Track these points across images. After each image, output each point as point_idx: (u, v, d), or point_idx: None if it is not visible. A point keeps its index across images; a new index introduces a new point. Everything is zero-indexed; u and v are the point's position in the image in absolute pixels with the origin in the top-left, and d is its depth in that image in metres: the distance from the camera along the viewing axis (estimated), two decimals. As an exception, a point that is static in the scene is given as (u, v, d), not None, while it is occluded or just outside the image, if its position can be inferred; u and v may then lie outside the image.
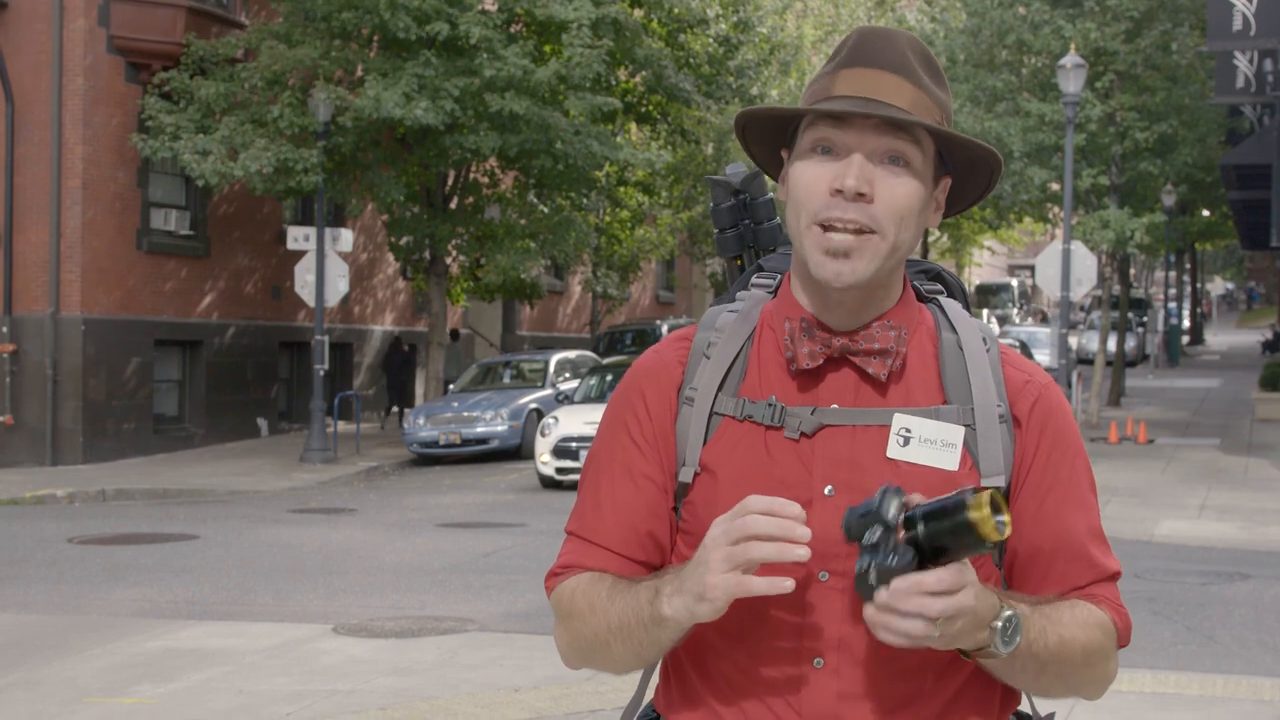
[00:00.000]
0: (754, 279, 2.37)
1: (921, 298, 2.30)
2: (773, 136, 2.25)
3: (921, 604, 1.90)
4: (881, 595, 1.91)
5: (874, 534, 1.93)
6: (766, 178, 2.49)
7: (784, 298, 2.26)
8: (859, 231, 2.09)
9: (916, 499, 1.96)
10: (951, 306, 2.29)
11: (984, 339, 2.24)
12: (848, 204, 2.09)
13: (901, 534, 1.93)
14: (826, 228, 2.10)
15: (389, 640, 9.94)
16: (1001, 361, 2.24)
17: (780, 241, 2.49)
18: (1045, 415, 2.22)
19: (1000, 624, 2.00)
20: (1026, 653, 2.06)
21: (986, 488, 1.92)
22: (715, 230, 2.57)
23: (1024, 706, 2.34)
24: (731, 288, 2.45)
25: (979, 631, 1.99)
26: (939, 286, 2.35)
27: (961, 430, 2.15)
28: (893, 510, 1.93)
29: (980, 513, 1.88)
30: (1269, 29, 24.26)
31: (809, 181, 2.13)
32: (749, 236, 2.54)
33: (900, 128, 2.10)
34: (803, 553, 1.93)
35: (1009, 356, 2.26)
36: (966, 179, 2.25)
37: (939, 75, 2.18)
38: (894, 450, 2.13)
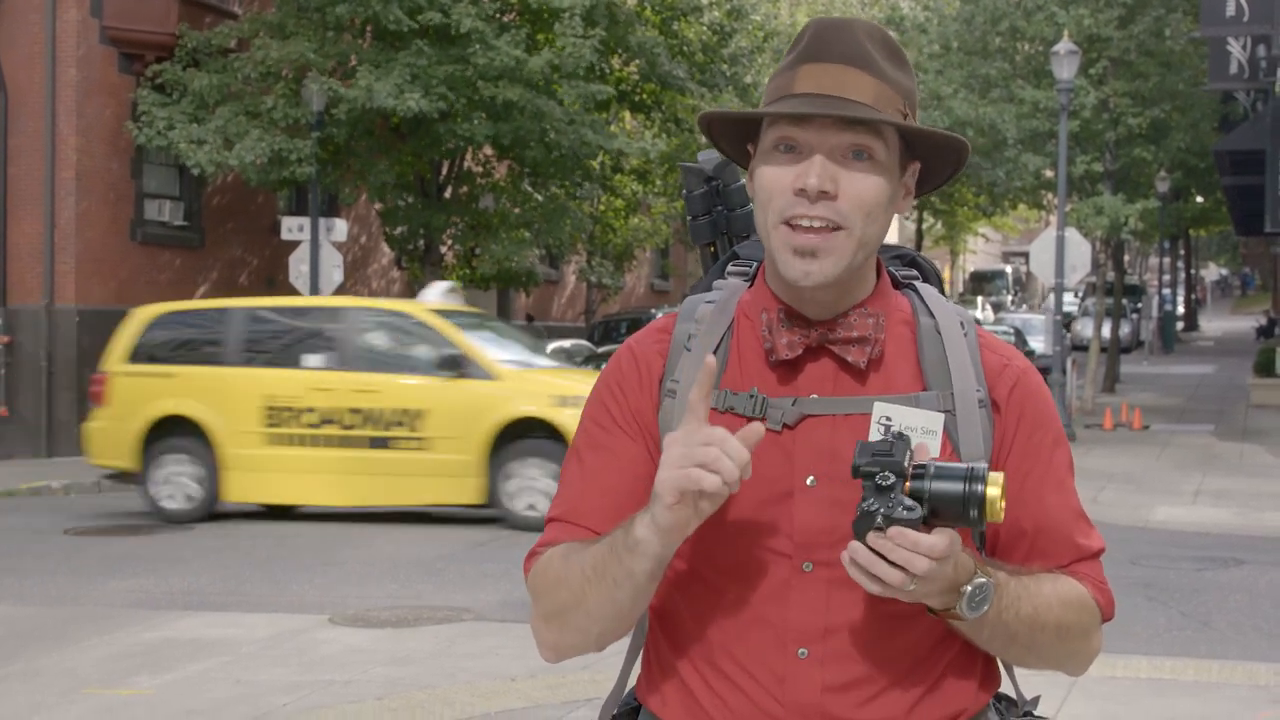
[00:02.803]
0: (730, 266, 2.37)
1: (897, 284, 2.29)
2: (739, 132, 2.25)
3: (910, 559, 1.93)
4: (878, 540, 1.93)
5: (888, 478, 1.94)
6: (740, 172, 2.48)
7: (760, 288, 2.26)
8: (826, 229, 2.10)
9: (924, 450, 2.00)
10: (928, 291, 2.29)
11: (961, 323, 2.24)
12: (812, 203, 2.09)
13: (908, 484, 1.95)
14: (793, 226, 2.10)
15: (385, 630, 9.95)
16: (979, 345, 2.24)
17: (754, 228, 2.48)
18: (1024, 399, 2.23)
19: (970, 589, 2.02)
20: (995, 620, 2.08)
21: (995, 470, 1.94)
22: (688, 217, 2.56)
23: (1007, 691, 2.35)
24: (707, 276, 2.44)
25: (948, 594, 2.01)
26: (914, 272, 2.34)
27: (941, 417, 2.14)
28: (907, 459, 1.95)
29: (997, 489, 1.93)
30: (1262, 15, 24.25)
31: (771, 181, 2.12)
32: (722, 223, 2.53)
33: (861, 122, 2.10)
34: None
35: (987, 340, 2.26)
36: (935, 161, 2.25)
37: (900, 60, 2.17)
38: (875, 438, 2.13)
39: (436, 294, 17.64)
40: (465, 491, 14.62)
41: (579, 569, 2.12)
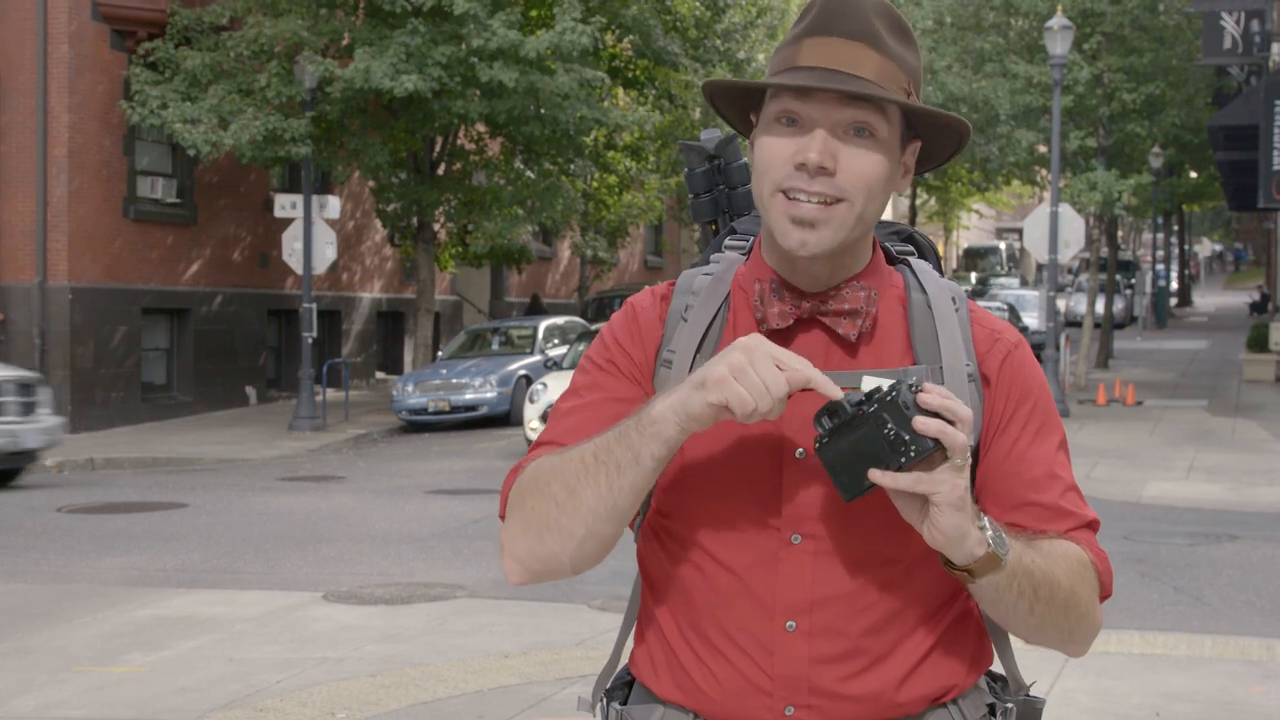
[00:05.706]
0: (727, 241, 2.38)
1: (892, 259, 2.30)
2: (742, 101, 2.25)
3: (953, 405, 1.95)
4: (925, 396, 1.95)
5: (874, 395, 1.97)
6: (741, 143, 2.48)
7: (755, 260, 2.26)
8: (825, 203, 2.09)
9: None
10: (921, 267, 2.29)
11: (953, 298, 2.24)
12: (811, 178, 2.09)
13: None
14: (790, 196, 2.10)
15: (378, 607, 9.95)
16: (970, 320, 2.24)
17: (755, 206, 2.48)
18: (1014, 373, 2.22)
19: (987, 521, 2.02)
20: (1017, 564, 2.04)
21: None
22: (690, 195, 2.57)
23: (999, 674, 2.34)
24: (705, 251, 2.44)
25: (964, 518, 1.98)
26: (910, 248, 2.34)
27: None
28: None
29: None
30: (1256, -11, 24.21)
31: (772, 153, 2.12)
32: (723, 201, 2.54)
33: (864, 98, 2.09)
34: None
35: (978, 315, 2.26)
36: (936, 141, 2.25)
37: (908, 37, 2.17)
38: None
39: None
40: None
41: (576, 458, 2.08)
